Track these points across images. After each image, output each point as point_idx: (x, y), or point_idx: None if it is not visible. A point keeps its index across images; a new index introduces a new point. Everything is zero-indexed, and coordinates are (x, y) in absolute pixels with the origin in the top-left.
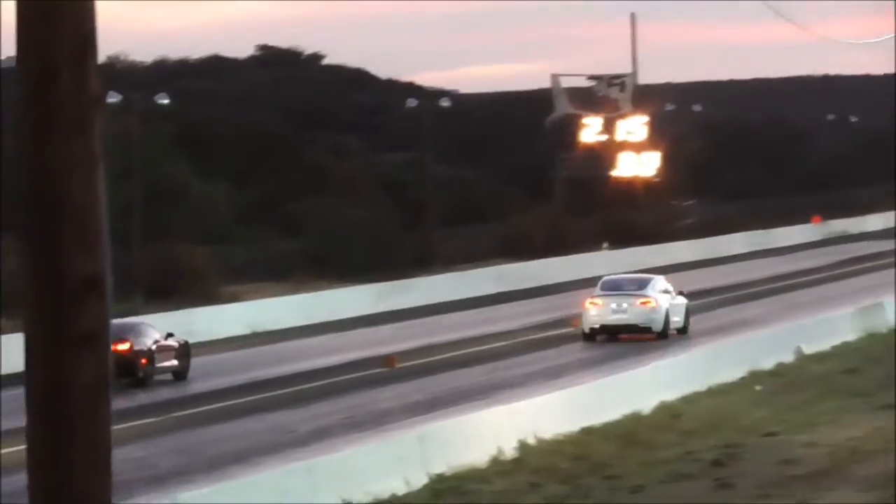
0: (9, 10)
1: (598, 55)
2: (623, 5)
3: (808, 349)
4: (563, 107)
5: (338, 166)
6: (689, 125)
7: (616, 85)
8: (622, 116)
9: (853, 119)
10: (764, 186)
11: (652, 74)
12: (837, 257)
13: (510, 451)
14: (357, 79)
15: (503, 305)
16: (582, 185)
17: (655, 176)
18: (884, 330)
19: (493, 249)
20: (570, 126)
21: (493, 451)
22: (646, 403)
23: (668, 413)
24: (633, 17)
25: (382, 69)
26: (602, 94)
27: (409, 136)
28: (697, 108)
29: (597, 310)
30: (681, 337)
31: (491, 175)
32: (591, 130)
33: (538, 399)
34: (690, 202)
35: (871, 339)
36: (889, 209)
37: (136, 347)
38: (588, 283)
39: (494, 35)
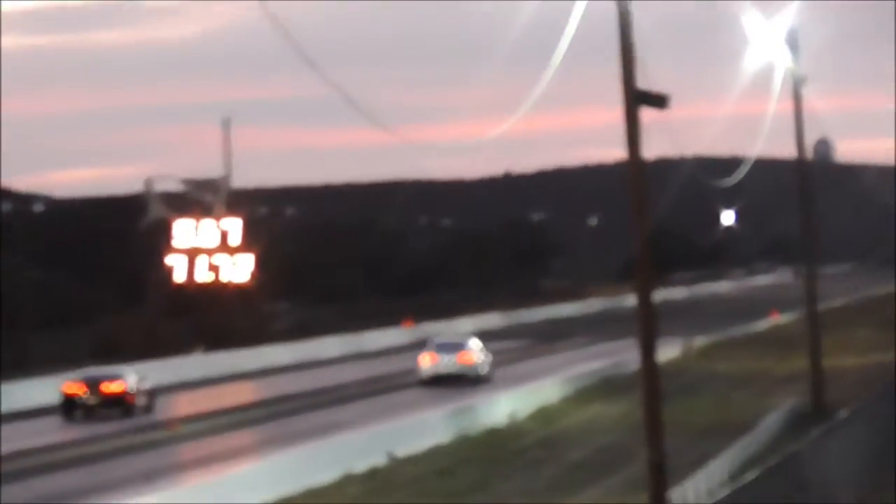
0: None
1: (193, 158)
2: (216, 108)
3: (402, 451)
4: (156, 210)
5: None
6: (283, 228)
7: (209, 189)
8: (216, 220)
9: (446, 222)
10: (358, 289)
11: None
12: None
13: None
14: None
15: None
16: (176, 288)
17: (249, 279)
18: (476, 431)
19: (87, 353)
20: (163, 230)
21: None
22: None
23: None
24: (225, 121)
25: None
26: (195, 198)
27: (1, 240)
28: (291, 210)
29: (431, 363)
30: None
31: (85, 279)
32: (184, 234)
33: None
34: (284, 305)
35: (464, 440)
36: (477, 312)
37: (127, 388)
38: (183, 386)
39: (88, 139)
